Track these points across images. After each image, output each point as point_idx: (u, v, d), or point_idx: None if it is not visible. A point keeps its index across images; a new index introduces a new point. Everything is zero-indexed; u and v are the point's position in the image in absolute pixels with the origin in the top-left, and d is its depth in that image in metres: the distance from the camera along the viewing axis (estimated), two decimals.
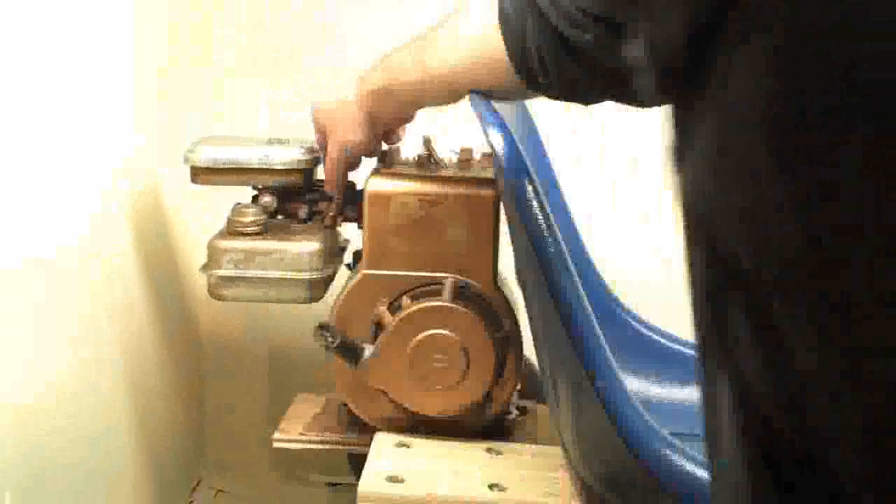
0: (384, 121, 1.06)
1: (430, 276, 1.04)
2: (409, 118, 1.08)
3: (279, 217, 1.15)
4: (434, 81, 0.98)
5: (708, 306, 0.41)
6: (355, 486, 0.97)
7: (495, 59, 0.92)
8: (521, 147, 0.91)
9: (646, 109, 0.90)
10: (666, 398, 1.14)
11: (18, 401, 0.92)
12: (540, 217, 0.88)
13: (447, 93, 0.99)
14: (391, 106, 1.03)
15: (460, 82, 0.96)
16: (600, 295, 1.18)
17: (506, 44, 0.91)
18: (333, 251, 1.15)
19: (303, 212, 1.14)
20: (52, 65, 1.00)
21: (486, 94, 0.96)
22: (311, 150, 1.13)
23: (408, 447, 1.04)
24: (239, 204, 1.13)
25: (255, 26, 1.46)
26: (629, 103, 0.90)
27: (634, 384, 1.13)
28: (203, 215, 1.37)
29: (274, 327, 1.51)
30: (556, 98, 0.93)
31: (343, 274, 1.16)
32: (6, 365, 0.90)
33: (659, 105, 0.91)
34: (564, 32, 0.85)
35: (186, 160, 1.13)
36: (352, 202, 1.12)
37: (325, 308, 1.09)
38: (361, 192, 1.07)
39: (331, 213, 1.12)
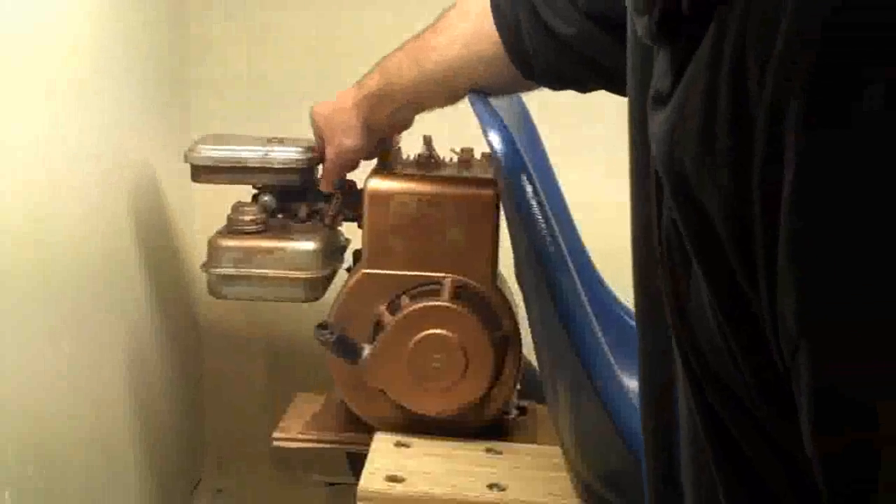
0: (381, 125, 1.06)
1: (429, 276, 1.04)
2: (406, 124, 1.08)
3: (279, 216, 1.15)
4: (431, 81, 0.98)
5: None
6: (355, 485, 0.97)
7: (491, 52, 0.93)
8: (519, 146, 0.91)
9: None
10: None
11: (18, 400, 0.92)
12: (539, 216, 0.88)
13: (444, 93, 0.99)
14: (388, 109, 1.03)
15: (457, 80, 0.96)
16: (599, 294, 1.18)
17: (500, 34, 0.92)
18: (333, 250, 1.15)
19: (303, 211, 1.14)
20: (52, 62, 1.00)
21: (484, 92, 0.96)
22: (310, 150, 1.12)
23: (407, 447, 1.04)
24: (239, 203, 1.13)
25: (257, 24, 1.46)
26: (619, 93, 0.91)
27: (634, 383, 1.13)
28: (203, 214, 1.37)
29: (274, 326, 1.51)
30: (552, 87, 0.94)
31: (343, 273, 1.16)
32: (6, 364, 0.90)
33: None
34: (550, 24, 0.86)
35: (187, 159, 1.13)
36: (352, 201, 1.12)
37: (324, 307, 1.09)
38: (361, 191, 1.07)
39: (330, 213, 1.12)
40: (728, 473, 0.44)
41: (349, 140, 1.05)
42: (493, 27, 0.92)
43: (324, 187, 1.12)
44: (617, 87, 0.90)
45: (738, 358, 0.40)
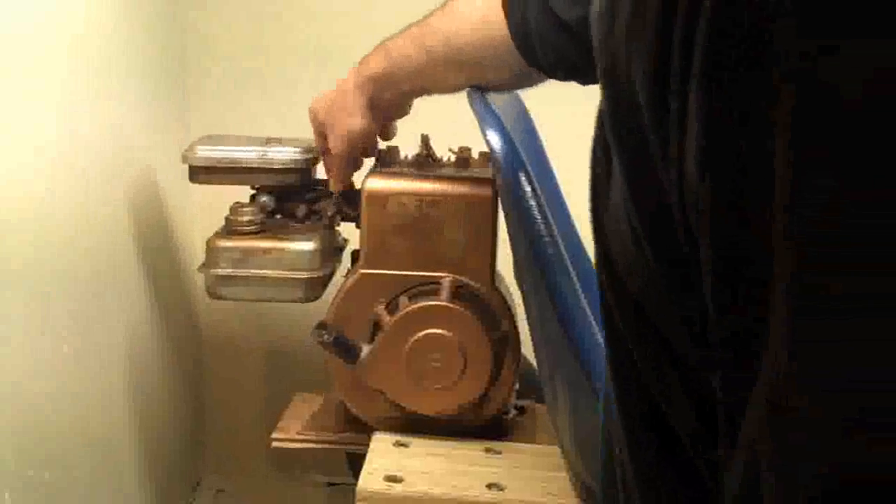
0: (384, 108, 1.04)
1: (427, 276, 1.03)
2: (406, 109, 1.07)
3: (277, 216, 1.15)
4: (436, 66, 0.97)
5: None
6: (354, 485, 0.97)
7: (498, 39, 0.92)
8: (518, 145, 0.91)
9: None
10: None
11: (18, 400, 0.92)
12: (538, 216, 0.88)
13: (450, 79, 0.98)
14: (391, 92, 1.02)
15: (464, 67, 0.95)
16: (599, 295, 1.18)
17: (508, 21, 0.91)
18: (331, 250, 1.15)
19: (301, 211, 1.14)
20: (51, 63, 1.00)
21: (487, 88, 0.96)
22: (309, 150, 1.12)
23: (406, 447, 1.04)
24: (237, 203, 1.13)
25: (257, 24, 1.46)
26: None
27: None
28: (201, 214, 1.37)
29: (272, 327, 1.51)
30: (558, 77, 0.93)
31: (341, 273, 1.16)
32: (5, 364, 0.90)
33: None
34: (556, 7, 0.85)
35: (185, 159, 1.13)
36: (350, 201, 1.12)
37: (323, 307, 1.09)
38: (359, 191, 1.07)
39: (329, 213, 1.12)
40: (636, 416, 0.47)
41: (356, 121, 1.03)
42: (501, 13, 0.91)
43: (334, 187, 1.09)
44: None
45: (648, 257, 0.41)
